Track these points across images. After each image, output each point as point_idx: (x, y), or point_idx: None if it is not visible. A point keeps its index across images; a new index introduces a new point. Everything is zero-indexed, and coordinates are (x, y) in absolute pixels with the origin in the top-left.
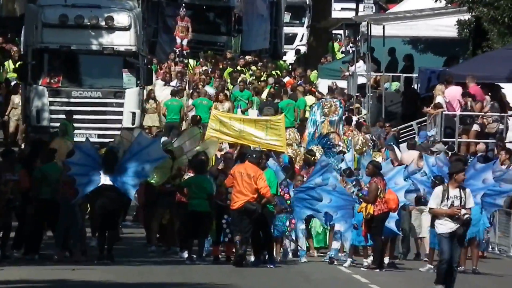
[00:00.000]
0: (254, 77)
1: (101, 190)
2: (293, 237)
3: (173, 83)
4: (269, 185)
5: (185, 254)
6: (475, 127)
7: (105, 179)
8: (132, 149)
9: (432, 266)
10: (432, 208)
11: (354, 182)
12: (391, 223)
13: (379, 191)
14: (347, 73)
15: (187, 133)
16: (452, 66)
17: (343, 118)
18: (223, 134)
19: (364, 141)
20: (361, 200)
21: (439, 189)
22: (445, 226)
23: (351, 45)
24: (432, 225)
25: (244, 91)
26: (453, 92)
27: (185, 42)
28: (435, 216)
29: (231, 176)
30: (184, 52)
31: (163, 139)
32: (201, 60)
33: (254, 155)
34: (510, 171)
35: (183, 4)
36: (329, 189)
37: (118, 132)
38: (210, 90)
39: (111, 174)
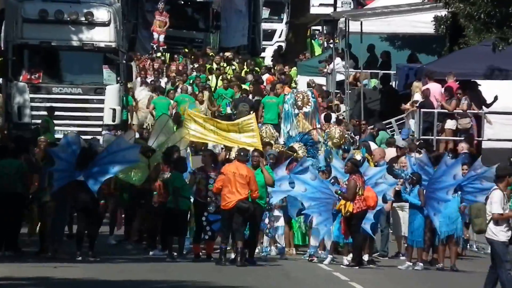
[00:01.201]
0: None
1: (74, 186)
2: (273, 234)
3: (149, 80)
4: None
5: (157, 252)
6: (449, 124)
7: (79, 175)
8: (110, 148)
9: (411, 264)
10: (501, 214)
11: (333, 180)
12: (366, 225)
13: (357, 188)
14: (325, 70)
15: (157, 126)
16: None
17: (318, 112)
18: (199, 133)
19: (341, 133)
20: (340, 197)
21: (500, 193)
22: (508, 233)
23: (331, 41)
24: (480, 230)
25: (228, 89)
26: (432, 89)
27: (161, 38)
28: (497, 221)
29: (222, 175)
30: (161, 48)
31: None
32: (175, 56)
33: (242, 153)
34: (492, 169)
35: None
36: (306, 179)
37: (99, 129)
38: (189, 88)
39: (84, 171)
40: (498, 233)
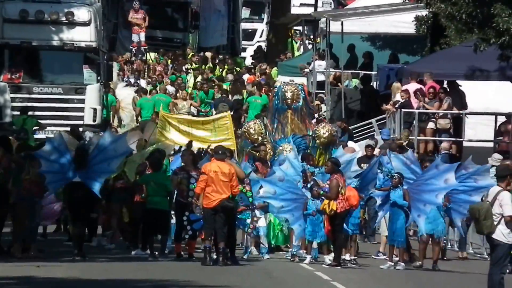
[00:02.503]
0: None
1: (71, 187)
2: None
3: (131, 80)
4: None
5: (140, 251)
6: (430, 124)
7: (74, 176)
8: (100, 145)
9: (392, 263)
10: None
11: (313, 182)
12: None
13: (340, 188)
14: (306, 70)
15: (147, 130)
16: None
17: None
18: (172, 136)
19: (329, 132)
20: (323, 198)
21: (509, 194)
22: None
23: (308, 41)
24: (490, 233)
25: (208, 93)
26: (411, 90)
27: (142, 37)
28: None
29: (205, 175)
30: (142, 48)
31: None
32: (157, 56)
33: (220, 152)
34: (486, 166)
35: None
36: (274, 181)
37: (80, 129)
38: (170, 87)
39: (81, 171)
40: (507, 235)
